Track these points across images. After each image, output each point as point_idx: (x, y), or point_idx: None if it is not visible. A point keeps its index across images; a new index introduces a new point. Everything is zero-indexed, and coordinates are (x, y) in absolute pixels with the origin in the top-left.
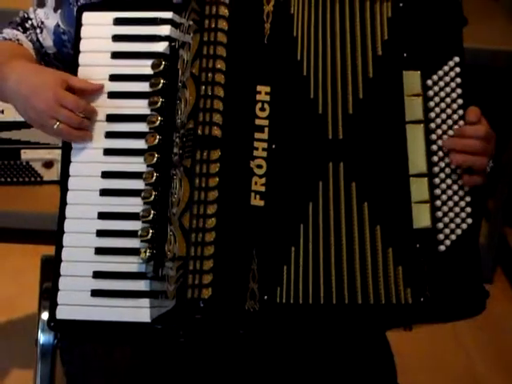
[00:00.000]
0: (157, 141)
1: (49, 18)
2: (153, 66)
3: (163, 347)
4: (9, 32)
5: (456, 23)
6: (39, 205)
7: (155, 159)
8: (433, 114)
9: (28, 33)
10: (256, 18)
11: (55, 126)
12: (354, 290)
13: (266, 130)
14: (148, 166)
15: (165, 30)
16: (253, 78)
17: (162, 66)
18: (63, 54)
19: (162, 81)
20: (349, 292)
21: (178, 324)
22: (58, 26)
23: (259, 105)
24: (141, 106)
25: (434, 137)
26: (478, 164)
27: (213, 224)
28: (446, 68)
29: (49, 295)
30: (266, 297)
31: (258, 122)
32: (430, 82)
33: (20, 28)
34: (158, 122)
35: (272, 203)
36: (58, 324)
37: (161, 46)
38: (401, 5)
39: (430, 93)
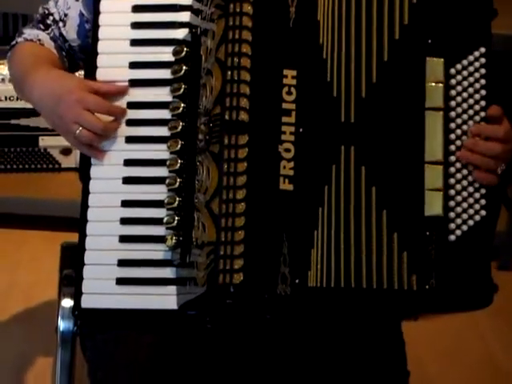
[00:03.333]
0: (180, 127)
1: (70, 7)
2: (175, 53)
3: (188, 334)
4: (30, 32)
5: (485, 14)
6: (57, 192)
7: (179, 146)
8: (453, 103)
9: (50, 29)
10: (281, 2)
11: (77, 132)
12: (360, 274)
13: (293, 113)
14: (171, 152)
15: (184, 16)
16: (279, 62)
17: (183, 53)
18: (87, 45)
19: (184, 67)
20: (355, 276)
21: (207, 310)
22: (82, 14)
23: (286, 89)
24: (162, 93)
25: (453, 125)
26: (492, 166)
27: (242, 209)
28: (471, 58)
29: (69, 282)
30: (297, 280)
31: (284, 105)
32: (453, 71)
33: (41, 25)
34: (182, 109)
35: (301, 187)
36: (82, 313)
37: (180, 33)
38: None
39: (453, 81)
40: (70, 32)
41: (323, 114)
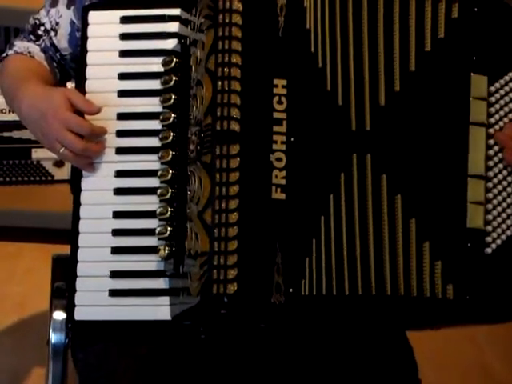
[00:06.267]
0: (171, 138)
1: (62, 16)
2: (164, 64)
3: (181, 344)
4: (20, 45)
5: None
6: (50, 204)
7: (170, 156)
8: (493, 120)
9: (41, 40)
10: (270, 12)
11: (60, 151)
12: (383, 281)
13: (284, 123)
14: (163, 163)
15: (173, 26)
16: (269, 72)
17: (173, 63)
18: (78, 54)
19: (174, 78)
20: (376, 283)
21: (200, 320)
22: (73, 23)
23: (276, 98)
24: (151, 104)
25: (491, 142)
26: None
27: (235, 219)
28: (507, 78)
29: (60, 294)
30: (291, 289)
31: (275, 115)
32: (492, 89)
33: (32, 36)
34: (172, 119)
35: (293, 196)
36: (76, 325)
37: (169, 43)
38: (475, 9)
39: (492, 99)
40: (62, 41)
41: (325, 123)
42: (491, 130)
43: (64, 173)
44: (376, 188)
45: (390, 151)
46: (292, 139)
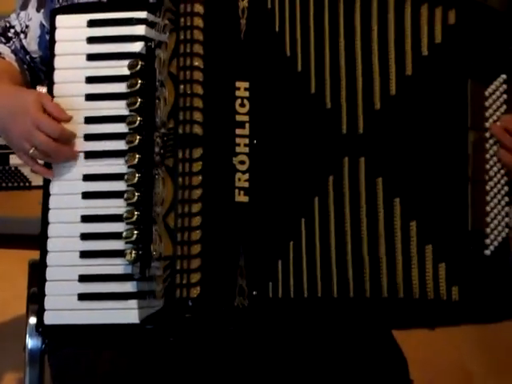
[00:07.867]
0: (137, 141)
1: (32, 18)
2: (130, 67)
3: (151, 348)
4: None
5: (506, 42)
6: (28, 210)
7: (136, 160)
8: (487, 124)
9: (11, 42)
10: (231, 15)
11: (31, 151)
12: (379, 284)
13: (247, 125)
14: (129, 166)
15: (140, 29)
16: (231, 75)
17: (138, 67)
18: (48, 57)
19: (139, 81)
20: (371, 286)
21: (167, 324)
22: (42, 25)
23: (239, 101)
24: (119, 107)
25: (487, 146)
26: None
27: (198, 222)
28: (497, 83)
29: (36, 299)
30: (255, 292)
31: (238, 118)
32: (486, 93)
33: (2, 38)
34: (138, 122)
35: (257, 199)
36: (46, 329)
37: (137, 46)
38: (472, 16)
39: (486, 103)
40: (31, 43)
41: (307, 126)
42: (487, 134)
43: (42, 178)
44: (371, 191)
45: (386, 154)
46: (255, 142)
